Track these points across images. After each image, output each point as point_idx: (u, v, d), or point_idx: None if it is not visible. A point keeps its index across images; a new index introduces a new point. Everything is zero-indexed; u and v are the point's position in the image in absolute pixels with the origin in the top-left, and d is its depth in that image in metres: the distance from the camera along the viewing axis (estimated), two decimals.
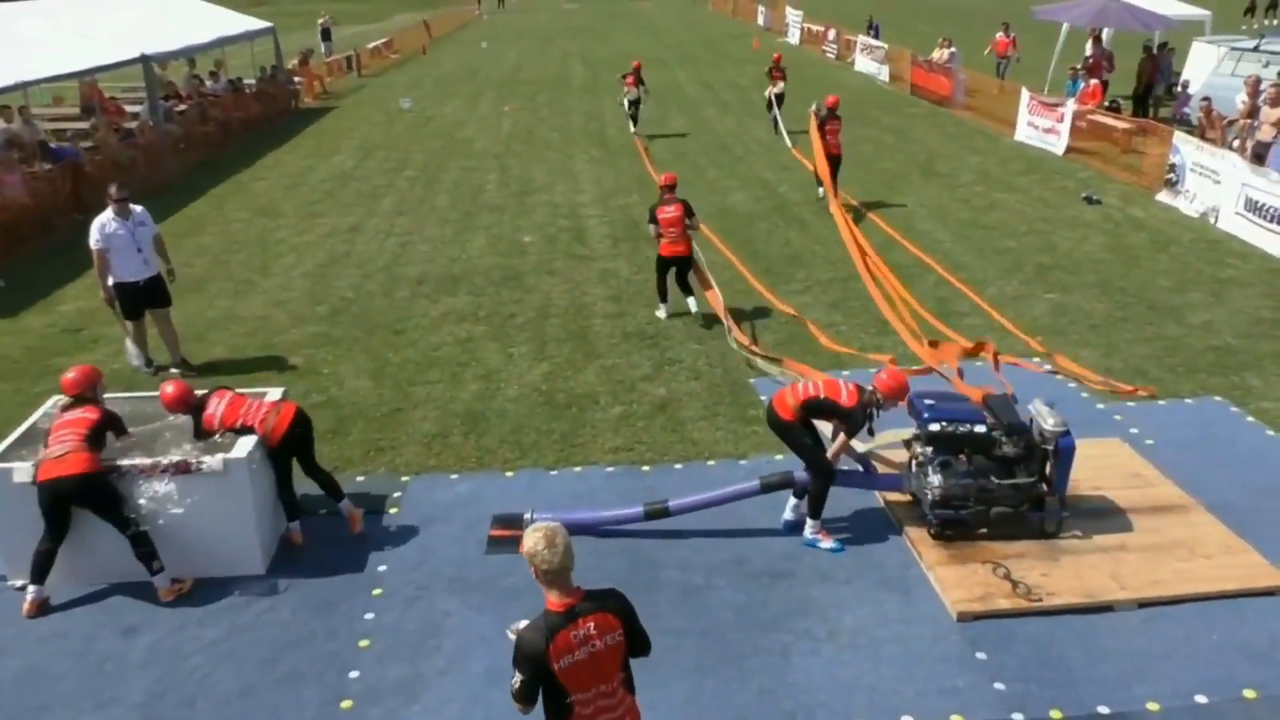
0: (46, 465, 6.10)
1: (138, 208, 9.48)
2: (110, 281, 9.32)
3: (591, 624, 3.74)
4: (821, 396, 6.63)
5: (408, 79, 31.50)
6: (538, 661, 3.69)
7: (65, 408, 6.49)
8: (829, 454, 6.65)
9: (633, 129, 21.64)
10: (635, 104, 21.56)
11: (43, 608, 6.24)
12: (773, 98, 21.59)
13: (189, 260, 12.82)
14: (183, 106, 20.92)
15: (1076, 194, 15.66)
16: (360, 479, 7.72)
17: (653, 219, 10.60)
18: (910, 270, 12.26)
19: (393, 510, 7.34)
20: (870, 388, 6.62)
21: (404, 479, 7.75)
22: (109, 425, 6.45)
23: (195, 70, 23.60)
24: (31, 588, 6.22)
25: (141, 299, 9.48)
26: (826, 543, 6.80)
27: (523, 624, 3.79)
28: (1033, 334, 10.28)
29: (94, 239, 9.19)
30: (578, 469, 7.86)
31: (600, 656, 3.77)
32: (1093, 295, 11.36)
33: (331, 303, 11.65)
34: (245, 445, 6.49)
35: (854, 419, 6.55)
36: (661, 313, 10.88)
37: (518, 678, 3.75)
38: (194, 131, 20.32)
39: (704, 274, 10.96)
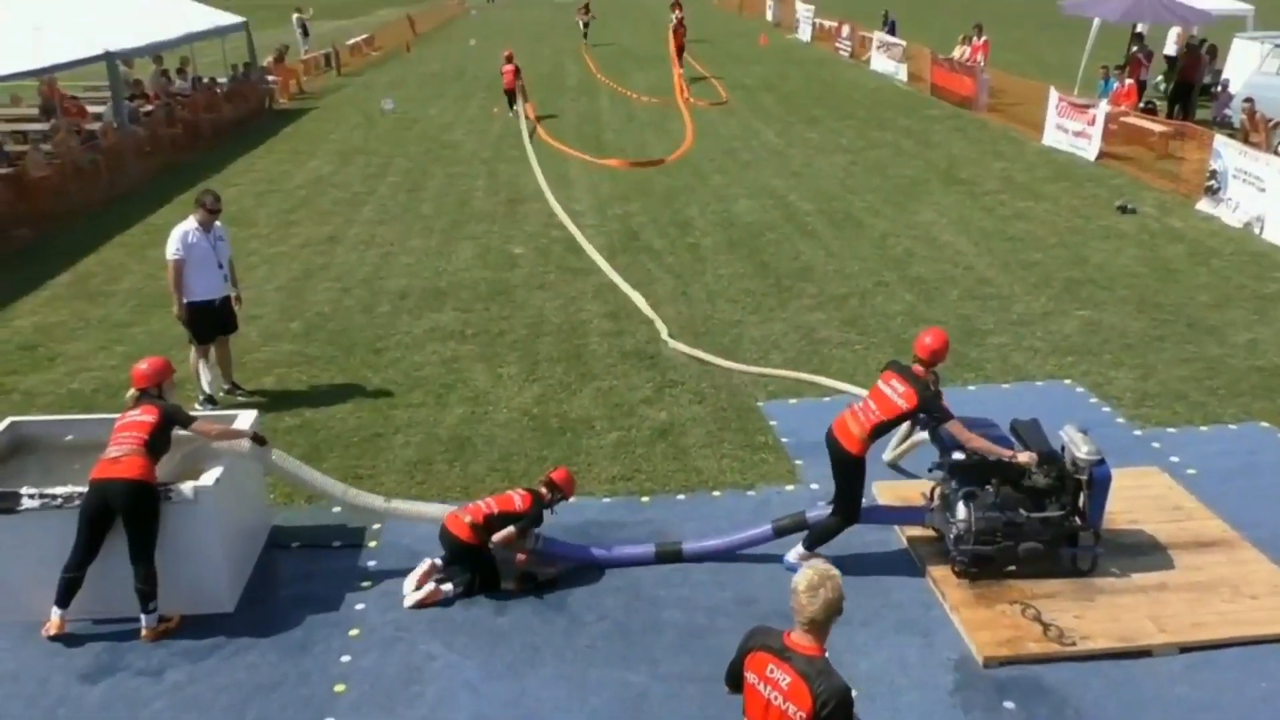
0: (102, 464, 6.24)
1: (217, 222, 9.36)
2: (184, 299, 9.16)
3: (789, 678, 3.73)
4: (883, 418, 6.61)
5: (390, 78, 31.62)
6: (740, 652, 3.95)
7: (135, 401, 6.64)
8: (967, 445, 6.53)
9: (584, 39, 38.26)
10: (587, 25, 39.49)
11: (63, 631, 6.28)
12: (678, 20, 31.70)
13: (153, 273, 12.82)
14: (149, 107, 21.00)
15: (1109, 202, 15.71)
16: (336, 510, 7.68)
17: (502, 73, 23.39)
18: (932, 285, 12.28)
19: (372, 544, 7.31)
20: (918, 367, 6.60)
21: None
22: (170, 424, 6.55)
23: (163, 68, 23.69)
24: (55, 610, 6.27)
25: (216, 321, 9.37)
26: None
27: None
28: (1063, 354, 10.28)
29: (173, 249, 9.02)
30: (572, 500, 7.81)
31: (773, 711, 3.76)
32: (1127, 312, 11.37)
33: (307, 319, 11.65)
34: (215, 472, 6.48)
35: (928, 408, 6.51)
36: (510, 113, 23.35)
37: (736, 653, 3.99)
38: (160, 133, 20.38)
39: (527, 97, 23.29)
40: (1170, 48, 23.79)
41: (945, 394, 6.82)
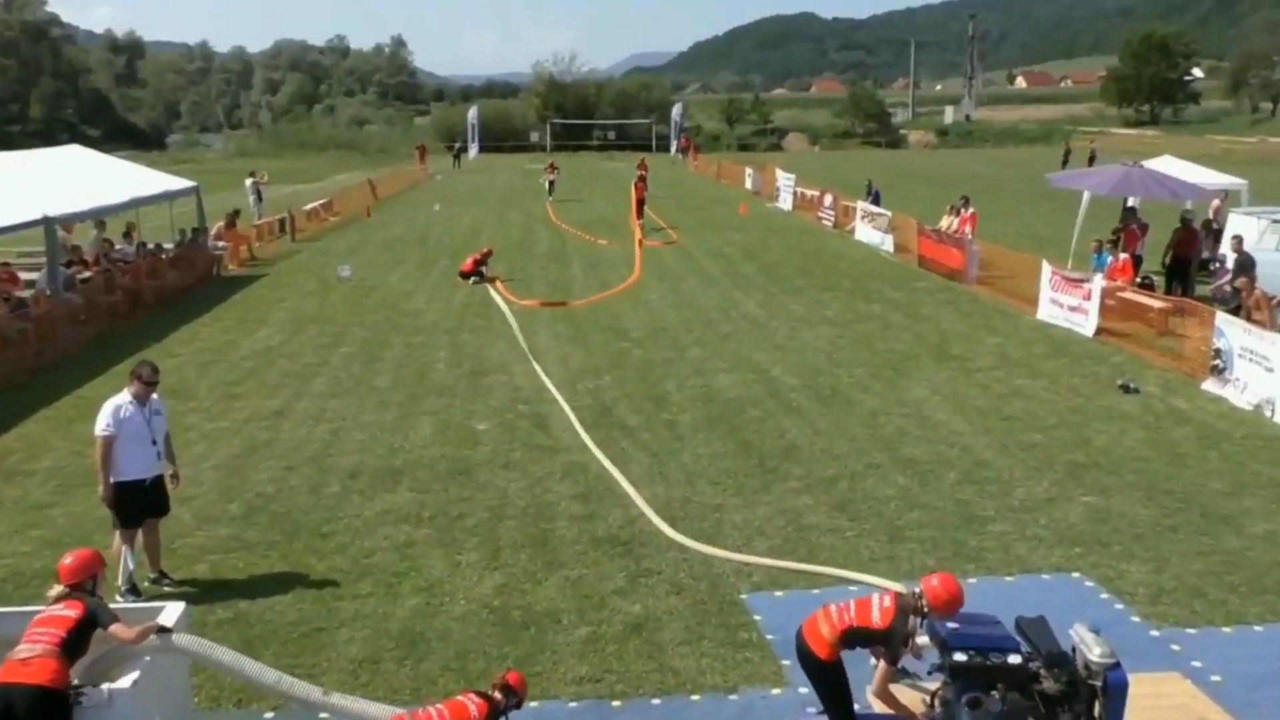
0: (8, 666, 6.08)
1: (154, 395, 9.39)
2: (112, 479, 9.09)
3: None
4: (855, 624, 6.57)
5: (349, 244, 32.34)
6: None
7: (57, 598, 6.55)
8: (873, 688, 6.43)
9: (549, 197, 44.27)
10: (552, 184, 45.83)
11: None
12: (639, 177, 39.75)
13: (80, 449, 12.70)
14: (88, 274, 21.29)
15: (1110, 380, 16.01)
16: (269, 715, 7.42)
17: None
18: (926, 467, 12.35)
19: None
20: (915, 592, 6.61)
21: (323, 715, 7.44)
22: (92, 624, 6.42)
23: (105, 234, 24.13)
24: None
25: (145, 502, 9.27)
26: None
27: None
28: (1070, 543, 10.27)
29: (103, 425, 9.03)
30: (535, 704, 7.59)
31: None
32: (1136, 499, 11.43)
33: (247, 500, 11.52)
34: (133, 674, 6.27)
35: (893, 637, 6.46)
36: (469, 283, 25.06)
37: None
38: (98, 301, 20.61)
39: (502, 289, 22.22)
40: (1210, 214, 24.82)
41: None
